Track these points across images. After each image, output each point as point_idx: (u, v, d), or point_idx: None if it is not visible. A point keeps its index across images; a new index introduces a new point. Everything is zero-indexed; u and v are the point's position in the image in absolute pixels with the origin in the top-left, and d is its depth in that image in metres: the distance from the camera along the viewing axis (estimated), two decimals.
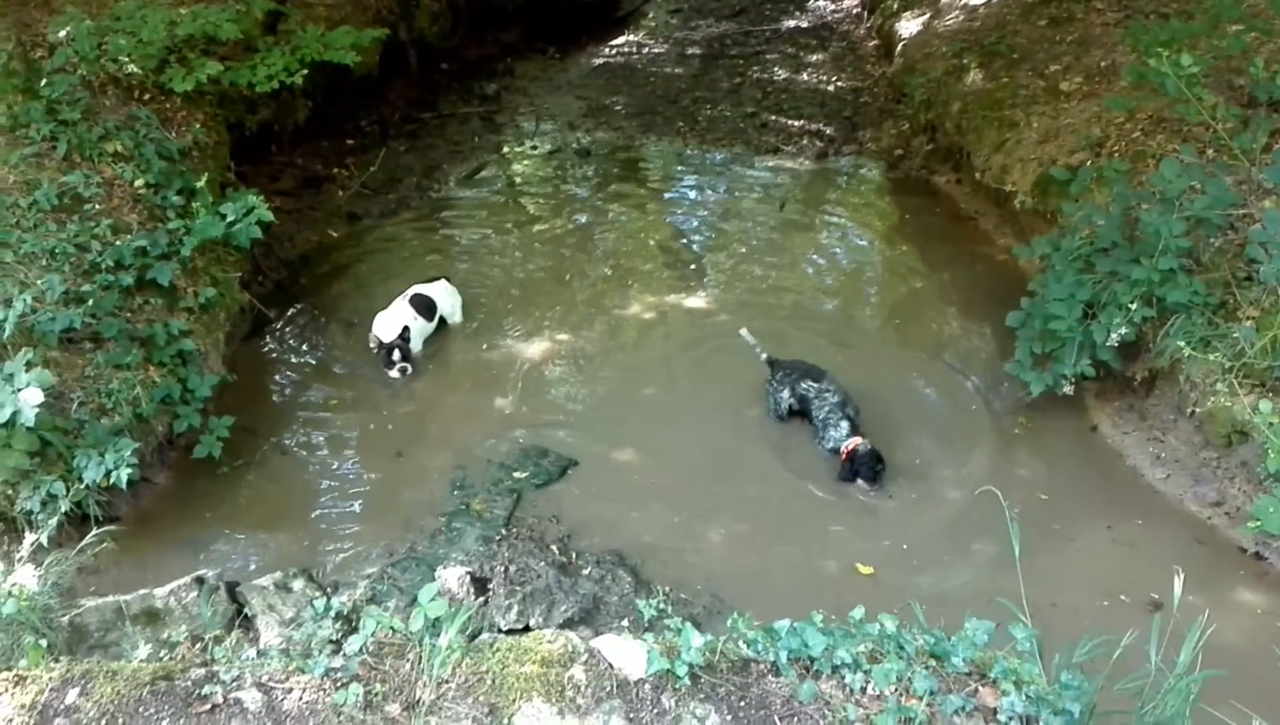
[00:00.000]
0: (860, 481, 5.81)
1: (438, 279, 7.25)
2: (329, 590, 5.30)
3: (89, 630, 4.60)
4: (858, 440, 5.87)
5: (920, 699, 2.62)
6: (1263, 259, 5.39)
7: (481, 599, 5.17)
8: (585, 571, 5.45)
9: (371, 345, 6.66)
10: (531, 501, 5.86)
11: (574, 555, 5.55)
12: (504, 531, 5.64)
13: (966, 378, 6.77)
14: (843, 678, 2.72)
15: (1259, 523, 5.04)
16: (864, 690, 2.69)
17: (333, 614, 3.67)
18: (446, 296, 7.21)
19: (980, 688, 2.72)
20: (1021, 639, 2.73)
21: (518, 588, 5.25)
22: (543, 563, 5.43)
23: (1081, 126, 7.63)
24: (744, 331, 6.55)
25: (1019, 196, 7.76)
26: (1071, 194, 6.74)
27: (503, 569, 5.36)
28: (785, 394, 6.23)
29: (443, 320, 7.16)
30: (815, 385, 6.13)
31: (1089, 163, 7.16)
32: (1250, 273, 5.73)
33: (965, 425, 6.26)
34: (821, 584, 5.29)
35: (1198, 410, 5.75)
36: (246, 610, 4.99)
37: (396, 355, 6.59)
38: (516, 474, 6.02)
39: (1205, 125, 6.50)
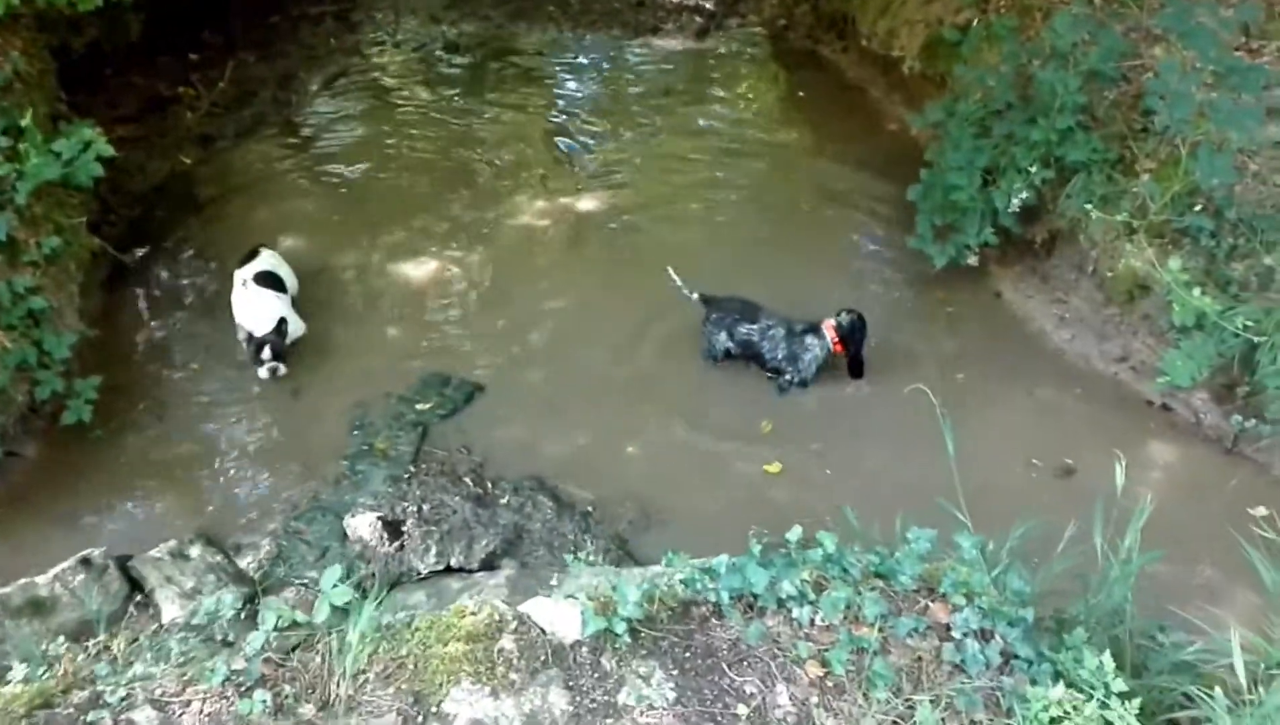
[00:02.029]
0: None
1: (258, 250, 6.13)
2: (230, 553, 4.99)
3: None
4: (829, 322, 5.57)
5: (872, 625, 2.50)
6: (1159, 109, 5.31)
7: (396, 544, 4.94)
8: (503, 501, 5.24)
9: (239, 337, 5.86)
10: (439, 434, 5.58)
11: (490, 485, 5.33)
12: (412, 469, 5.37)
13: (869, 254, 6.65)
14: (789, 612, 2.57)
15: (1167, 377, 5.10)
16: (812, 623, 2.55)
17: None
18: (285, 268, 6.19)
19: (930, 604, 2.61)
20: (968, 547, 2.62)
21: (433, 527, 5.02)
22: (457, 497, 5.20)
23: None
24: (670, 271, 5.94)
25: (907, 61, 7.56)
26: (962, 55, 6.54)
27: (415, 509, 5.12)
28: (722, 337, 5.74)
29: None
30: (755, 326, 5.64)
31: (976, 21, 6.95)
32: (1146, 125, 5.67)
33: (872, 305, 6.11)
34: (746, 488, 5.21)
35: (1099, 269, 5.75)
36: (143, 586, 4.67)
37: (268, 352, 5.69)
38: (419, 406, 5.71)
39: None
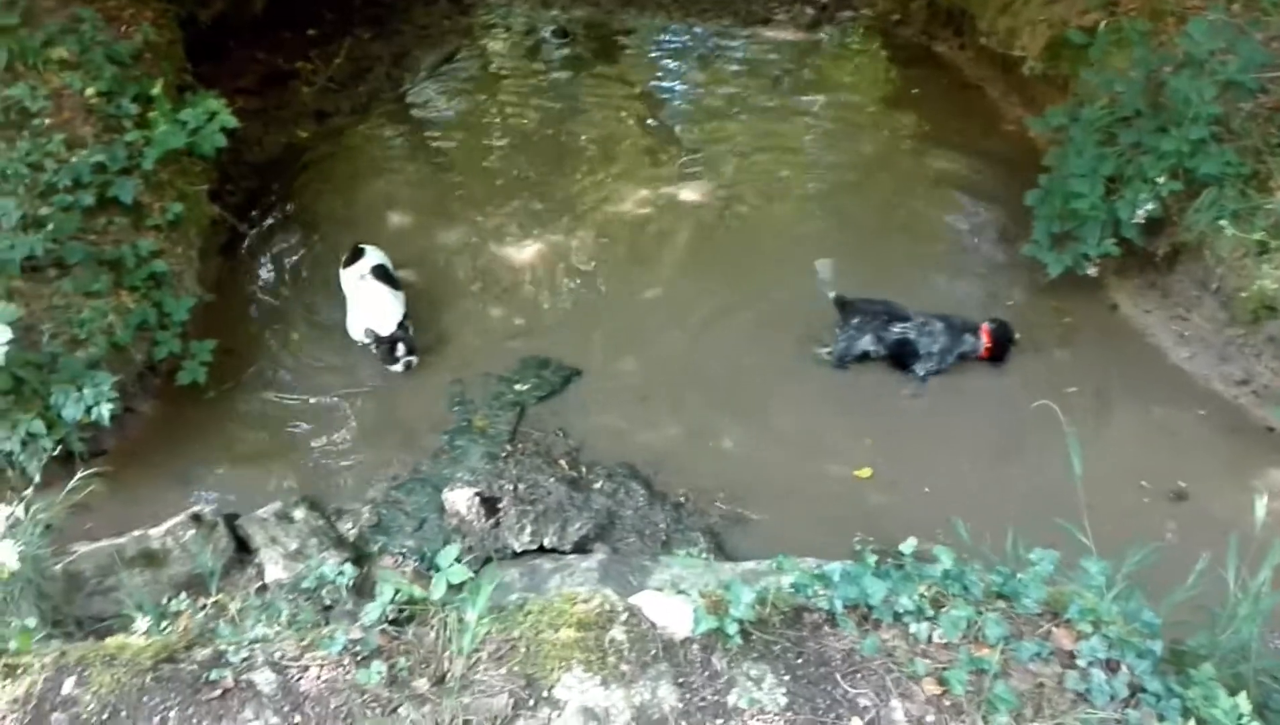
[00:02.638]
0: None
1: (361, 248, 6.12)
2: (332, 518, 5.11)
3: (84, 578, 4.41)
4: (985, 326, 5.63)
5: (993, 647, 2.43)
6: None
7: (492, 521, 5.00)
8: (597, 485, 5.26)
9: (365, 340, 5.78)
10: (536, 415, 5.63)
11: (584, 469, 5.35)
12: (509, 448, 5.42)
13: (979, 258, 6.48)
14: (906, 627, 2.52)
15: None
16: (929, 639, 2.49)
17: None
18: (387, 261, 6.16)
19: (1054, 629, 2.53)
20: (1095, 573, 2.52)
21: (529, 507, 5.07)
22: (552, 478, 5.24)
23: None
24: (819, 264, 5.92)
25: (1028, 62, 7.31)
26: (1090, 58, 6.31)
27: (511, 487, 5.17)
28: (866, 341, 5.65)
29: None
30: (909, 323, 5.61)
31: (1103, 23, 6.69)
32: None
33: (982, 312, 5.96)
34: (840, 491, 5.14)
35: (1224, 287, 5.51)
36: (249, 544, 4.82)
37: (401, 349, 5.70)
38: (517, 387, 5.76)
39: None
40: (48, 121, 5.71)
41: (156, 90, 5.90)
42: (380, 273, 5.96)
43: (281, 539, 4.82)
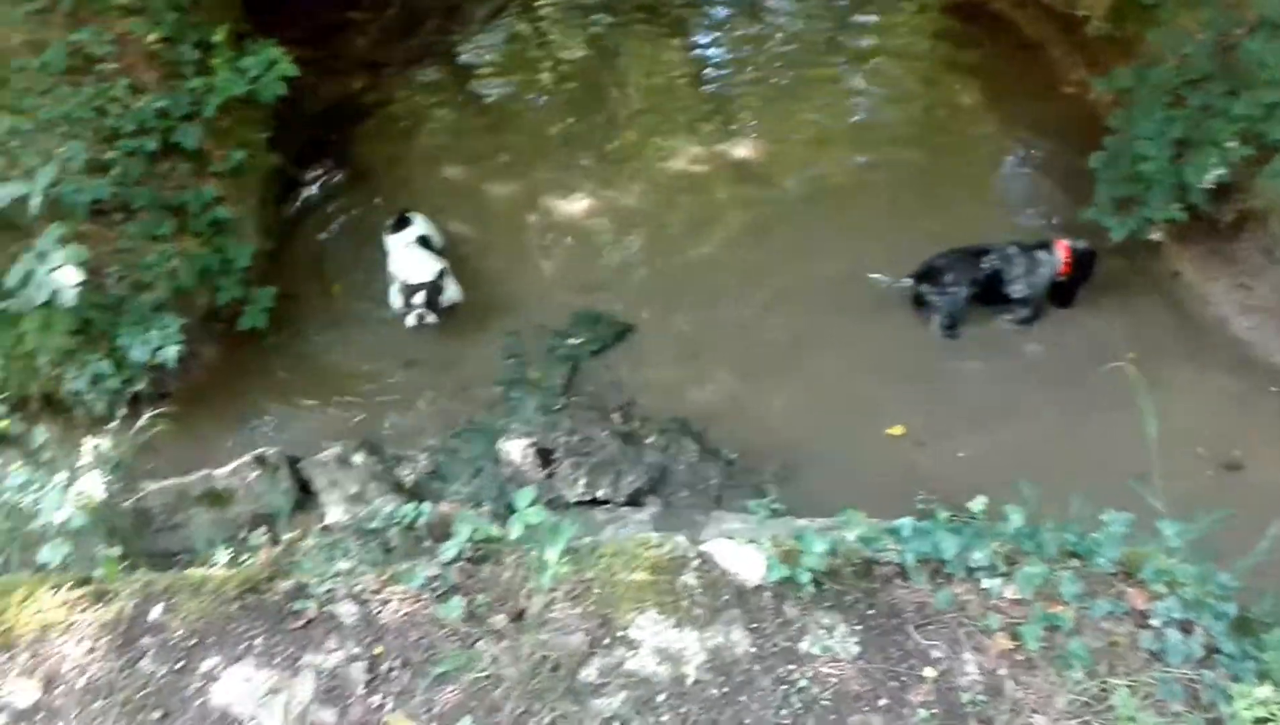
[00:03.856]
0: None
1: (408, 216, 6.07)
2: (390, 463, 5.19)
3: (153, 514, 4.52)
4: (1063, 242, 5.62)
5: (1067, 604, 2.44)
6: None
7: (547, 471, 5.05)
8: (649, 440, 5.30)
9: (396, 292, 5.76)
10: (589, 369, 5.67)
11: (637, 423, 5.39)
12: (563, 400, 5.47)
13: (1037, 220, 6.39)
14: (978, 582, 2.54)
15: None
16: (1002, 595, 2.51)
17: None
18: (435, 232, 6.15)
19: (1127, 588, 2.53)
20: (1172, 535, 2.52)
21: (583, 458, 5.11)
22: (605, 432, 5.28)
23: None
24: (872, 274, 5.73)
25: (1093, 21, 7.12)
26: (1161, 19, 6.14)
27: (565, 439, 5.21)
28: (964, 291, 5.59)
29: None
30: (991, 255, 5.60)
31: None
32: None
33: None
34: (893, 451, 5.14)
35: None
36: (310, 486, 4.92)
37: (420, 297, 5.58)
38: (571, 341, 5.79)
39: None
40: (112, 66, 5.76)
41: (219, 37, 5.93)
42: (424, 243, 5.95)
43: (342, 482, 4.91)
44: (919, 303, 5.74)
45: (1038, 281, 5.60)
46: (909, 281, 5.69)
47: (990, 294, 5.65)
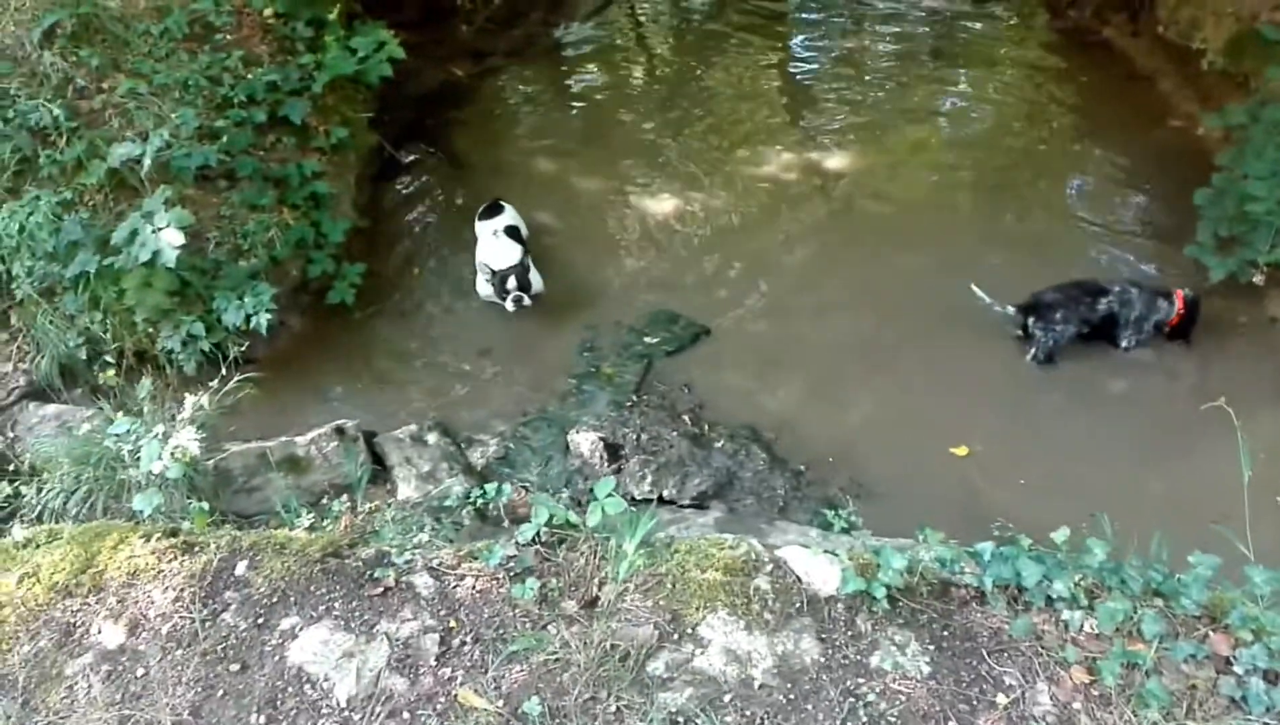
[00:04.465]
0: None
1: (500, 205, 6.17)
2: (462, 445, 5.27)
3: (233, 475, 4.65)
4: (1180, 292, 5.54)
5: (1148, 643, 2.39)
6: None
7: (614, 466, 5.08)
8: (718, 444, 5.28)
9: (483, 277, 5.86)
10: (663, 369, 5.67)
11: (706, 427, 5.38)
12: (635, 398, 5.48)
13: (1132, 254, 6.25)
14: (1058, 613, 2.49)
15: None
16: (1081, 629, 2.46)
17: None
18: (522, 224, 6.23)
19: (1211, 633, 2.47)
20: (1261, 583, 2.45)
21: (650, 457, 5.12)
22: (675, 432, 5.28)
23: None
24: (974, 287, 5.62)
25: (1209, 55, 6.95)
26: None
27: (634, 436, 5.23)
28: (1071, 329, 5.51)
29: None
30: (1113, 295, 5.49)
31: None
32: None
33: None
34: (966, 475, 5.04)
35: None
36: (385, 461, 5.01)
37: (513, 282, 5.67)
38: (647, 339, 5.81)
39: None
40: (228, 37, 5.96)
41: (332, 16, 6.09)
42: (512, 233, 6.02)
43: (415, 460, 4.99)
44: (1023, 332, 5.64)
45: (1148, 328, 5.53)
46: (1012, 310, 5.58)
47: (1099, 334, 5.56)
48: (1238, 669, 2.38)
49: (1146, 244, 6.33)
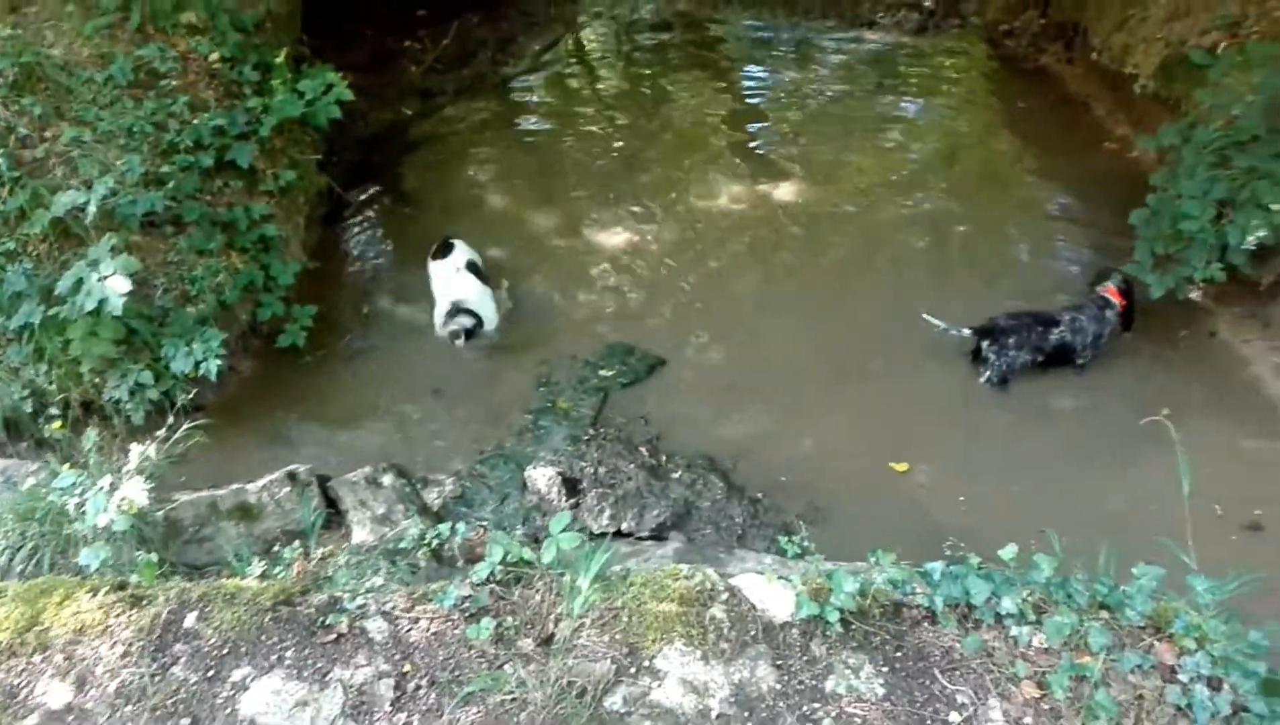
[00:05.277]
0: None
1: (452, 242, 6.18)
2: (418, 486, 5.23)
3: (184, 525, 4.56)
4: (1108, 287, 5.74)
5: (1095, 655, 2.43)
6: None
7: (572, 501, 5.07)
8: (676, 475, 5.30)
9: (441, 313, 5.91)
10: (619, 401, 5.69)
11: (664, 458, 5.39)
12: (592, 431, 5.49)
13: (1074, 275, 6.39)
14: (1007, 629, 2.53)
15: None
16: (1030, 644, 2.50)
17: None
18: (478, 260, 6.25)
19: (1156, 643, 2.52)
20: (1203, 591, 2.51)
21: (608, 490, 5.12)
22: (632, 464, 5.28)
23: (1215, 3, 6.95)
24: (927, 316, 5.70)
25: (1140, 80, 7.16)
26: (1210, 79, 6.16)
27: (592, 470, 5.23)
28: (1025, 356, 5.62)
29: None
30: (1062, 327, 5.62)
31: (1223, 45, 6.54)
32: None
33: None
34: (922, 498, 5.10)
35: None
36: (339, 505, 4.95)
37: (465, 319, 5.78)
38: (603, 372, 5.83)
39: None
40: (174, 83, 5.93)
41: (279, 60, 6.09)
42: (473, 268, 6.06)
43: (370, 502, 4.94)
44: (975, 354, 5.74)
45: (1102, 338, 5.69)
46: (968, 333, 5.67)
47: (1054, 361, 5.69)
48: (1183, 677, 2.43)
49: (1091, 267, 6.47)
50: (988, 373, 5.65)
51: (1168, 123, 6.34)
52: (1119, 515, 4.50)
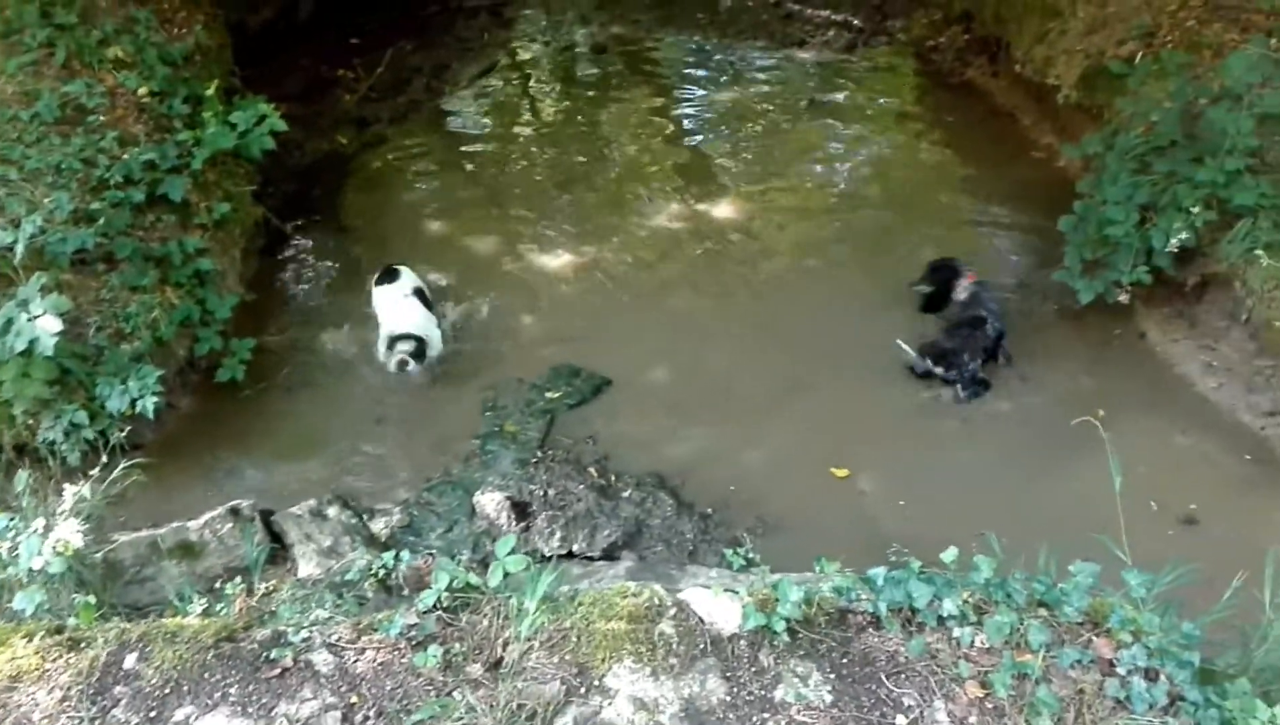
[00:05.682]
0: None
1: (397, 270, 6.14)
2: (365, 516, 5.17)
3: (124, 566, 4.46)
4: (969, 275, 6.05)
5: (1036, 653, 2.48)
6: None
7: (522, 524, 5.05)
8: (625, 494, 5.30)
9: (384, 342, 5.89)
10: (566, 423, 5.69)
11: (613, 477, 5.40)
12: (540, 454, 5.48)
13: (1007, 283, 6.54)
14: (949, 631, 2.57)
15: None
16: (972, 644, 2.55)
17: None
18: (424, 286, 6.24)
19: (1094, 638, 2.58)
20: (1136, 585, 2.58)
21: (559, 512, 5.12)
22: (582, 485, 5.28)
23: (1131, 15, 7.18)
24: (900, 342, 5.93)
25: (1063, 91, 7.38)
26: (1129, 88, 6.38)
27: (542, 493, 5.22)
28: (979, 362, 5.77)
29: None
30: (991, 320, 5.85)
31: (1140, 55, 6.77)
32: None
33: (1011, 337, 6.01)
34: (868, 506, 5.17)
35: (1254, 318, 5.54)
36: (284, 539, 4.88)
37: (408, 345, 5.73)
38: (549, 394, 5.83)
39: (1266, 13, 6.13)
40: (102, 119, 5.84)
41: (209, 92, 6.04)
42: (419, 295, 6.04)
43: (315, 536, 4.87)
44: (924, 375, 5.85)
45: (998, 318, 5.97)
46: (930, 363, 5.82)
47: (991, 353, 5.89)
48: (1120, 670, 2.49)
49: (1022, 274, 6.62)
50: (958, 389, 5.78)
51: (1091, 131, 6.56)
52: (1057, 515, 4.59)
